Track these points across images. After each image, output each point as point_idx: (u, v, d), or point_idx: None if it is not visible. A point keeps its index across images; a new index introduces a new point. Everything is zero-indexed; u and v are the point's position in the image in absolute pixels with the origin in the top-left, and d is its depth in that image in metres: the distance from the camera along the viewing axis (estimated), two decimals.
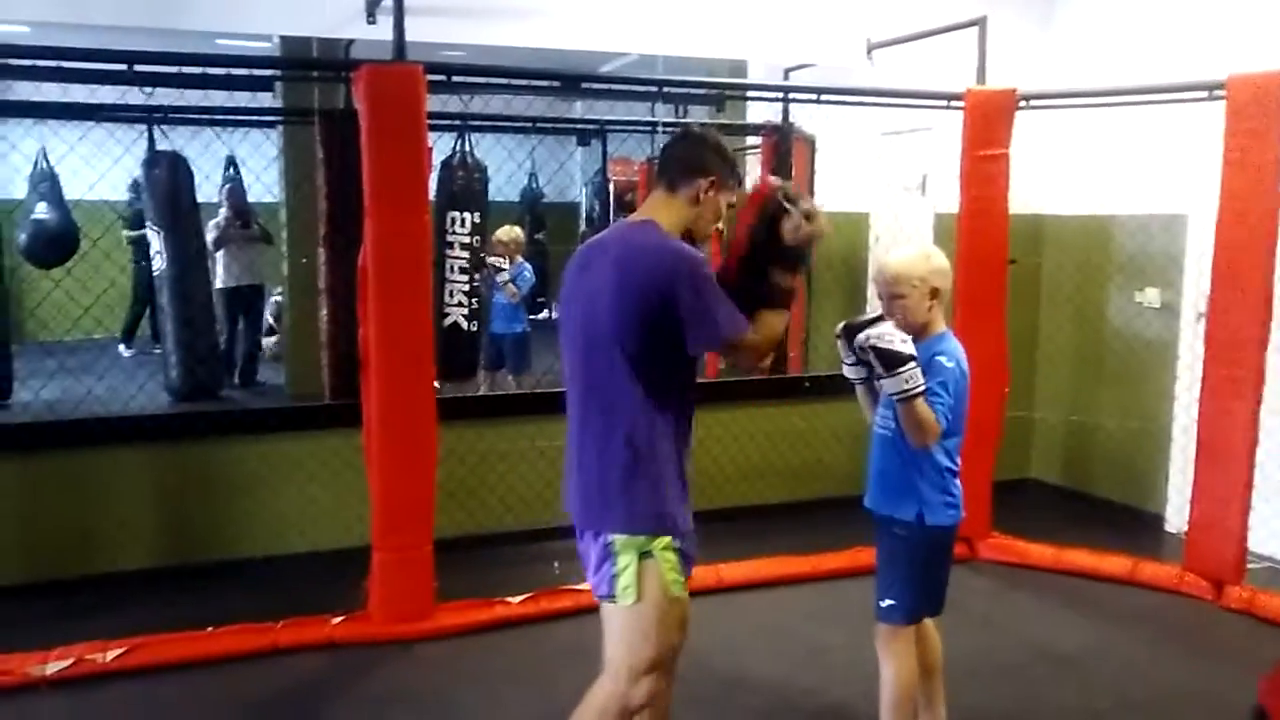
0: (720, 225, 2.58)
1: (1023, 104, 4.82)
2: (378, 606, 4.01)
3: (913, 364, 2.61)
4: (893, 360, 2.61)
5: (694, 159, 2.48)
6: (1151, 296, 5.45)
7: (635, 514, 2.37)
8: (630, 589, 2.35)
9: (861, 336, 2.67)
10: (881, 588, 2.93)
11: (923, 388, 2.63)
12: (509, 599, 4.14)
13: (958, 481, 2.88)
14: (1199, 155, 4.67)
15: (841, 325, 2.83)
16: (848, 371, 2.91)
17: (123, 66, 3.74)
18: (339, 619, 3.98)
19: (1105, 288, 5.73)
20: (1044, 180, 5.74)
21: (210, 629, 3.86)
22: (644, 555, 2.36)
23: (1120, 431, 5.63)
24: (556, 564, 4.58)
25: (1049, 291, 6.04)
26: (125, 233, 8.68)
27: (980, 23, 4.80)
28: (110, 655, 3.64)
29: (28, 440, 4.49)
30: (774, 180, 2.65)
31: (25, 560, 4.34)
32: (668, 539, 2.38)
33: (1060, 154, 5.74)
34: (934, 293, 2.83)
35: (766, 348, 2.47)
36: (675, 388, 2.44)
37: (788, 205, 2.44)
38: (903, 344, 2.63)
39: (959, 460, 2.88)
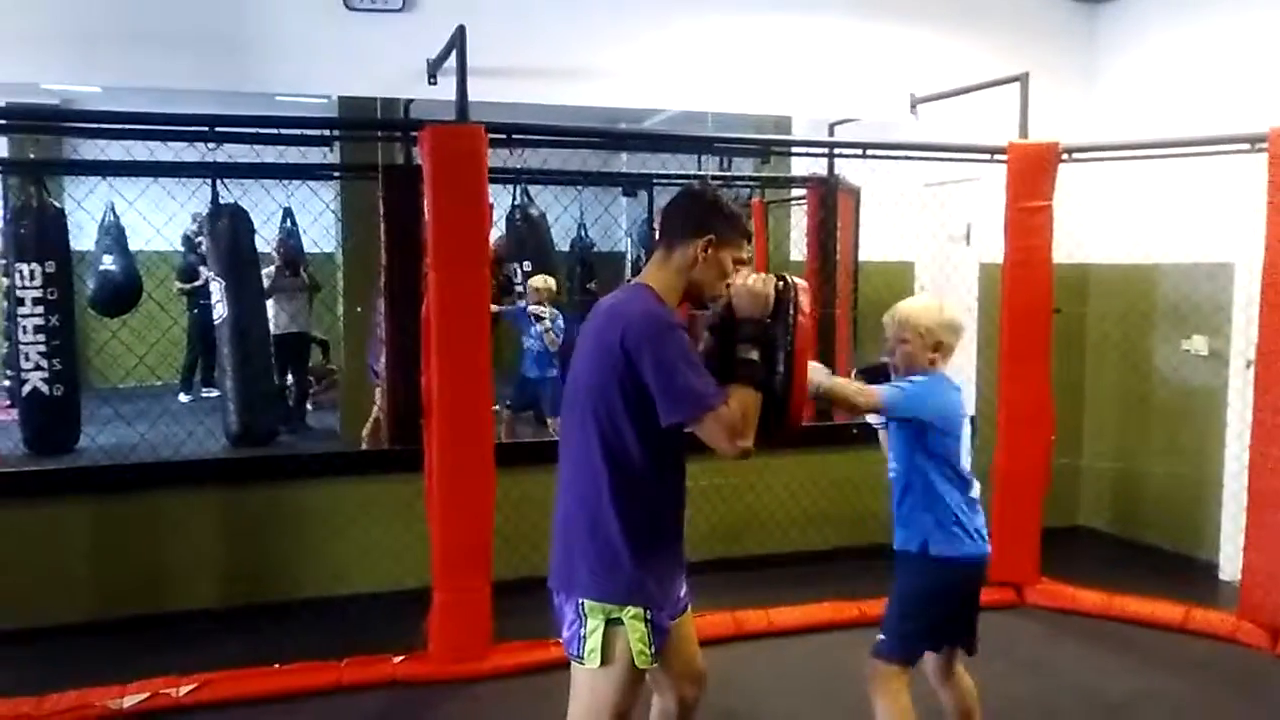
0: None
1: (1065, 157, 4.91)
2: (437, 646, 4.12)
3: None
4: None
5: (690, 219, 2.39)
6: (1199, 344, 5.47)
7: (604, 582, 2.32)
8: (595, 653, 2.31)
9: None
10: (882, 624, 2.96)
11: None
12: None
13: (976, 518, 2.91)
14: (1244, 204, 4.73)
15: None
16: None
17: (206, 128, 3.98)
18: (400, 658, 4.08)
19: (1151, 336, 5.76)
20: (1089, 230, 5.81)
21: (277, 666, 3.99)
22: (613, 621, 2.31)
23: (1170, 479, 5.63)
24: None
25: (1095, 340, 6.08)
26: (178, 284, 9.00)
27: (1023, 79, 4.91)
28: (183, 690, 3.78)
29: (102, 482, 4.66)
30: None
31: (100, 597, 4.50)
32: (639, 609, 2.31)
33: (1105, 204, 5.80)
34: (937, 345, 2.88)
35: (742, 424, 2.25)
36: (658, 455, 2.34)
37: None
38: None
39: (974, 498, 2.92)
